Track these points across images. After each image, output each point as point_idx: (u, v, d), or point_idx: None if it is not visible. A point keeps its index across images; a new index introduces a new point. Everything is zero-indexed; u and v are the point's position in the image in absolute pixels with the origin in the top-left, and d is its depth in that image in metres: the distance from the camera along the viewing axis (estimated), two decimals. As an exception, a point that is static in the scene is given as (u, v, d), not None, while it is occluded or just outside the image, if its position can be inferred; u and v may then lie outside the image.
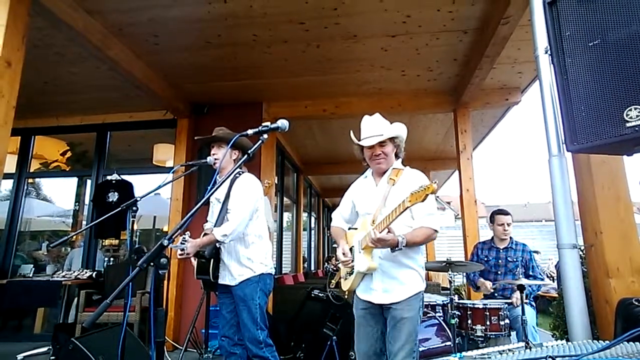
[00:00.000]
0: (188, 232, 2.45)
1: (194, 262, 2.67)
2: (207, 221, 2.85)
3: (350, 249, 2.20)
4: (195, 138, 3.00)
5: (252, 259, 2.59)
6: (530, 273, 3.53)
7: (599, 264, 2.27)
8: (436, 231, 2.05)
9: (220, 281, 2.64)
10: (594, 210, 2.28)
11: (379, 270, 2.07)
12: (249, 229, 2.60)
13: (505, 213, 3.72)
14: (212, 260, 2.61)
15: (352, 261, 2.15)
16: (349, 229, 2.35)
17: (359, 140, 2.20)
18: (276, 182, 6.21)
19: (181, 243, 2.38)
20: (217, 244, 2.55)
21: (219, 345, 2.79)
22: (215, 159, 2.69)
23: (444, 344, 2.79)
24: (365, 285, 2.15)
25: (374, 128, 2.18)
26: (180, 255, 2.42)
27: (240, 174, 2.69)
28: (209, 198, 1.51)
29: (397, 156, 2.26)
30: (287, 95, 5.00)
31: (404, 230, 1.99)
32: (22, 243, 5.72)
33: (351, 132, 2.26)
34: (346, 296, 2.26)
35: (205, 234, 2.62)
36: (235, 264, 2.59)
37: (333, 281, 2.43)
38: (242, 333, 2.57)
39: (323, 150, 7.50)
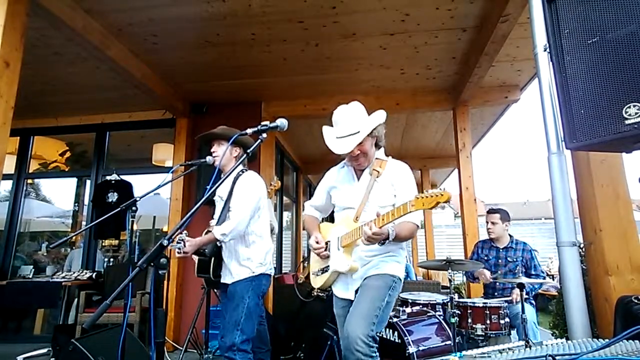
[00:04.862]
0: (185, 232, 2.44)
1: (195, 259, 2.66)
2: (213, 218, 2.83)
3: (326, 244, 2.10)
4: (196, 137, 3.00)
5: (251, 259, 2.57)
6: (532, 272, 3.52)
7: (598, 261, 2.28)
8: (418, 227, 1.96)
9: (222, 280, 2.63)
10: (593, 208, 2.29)
11: (359, 269, 2.01)
12: (250, 227, 2.57)
13: (491, 212, 3.73)
14: (212, 259, 2.60)
15: (328, 255, 2.05)
16: (323, 220, 2.23)
17: (335, 137, 2.04)
18: (276, 181, 6.20)
19: (177, 242, 2.37)
20: (217, 243, 2.53)
21: (219, 345, 2.78)
22: (215, 156, 2.67)
23: (444, 343, 2.78)
24: (343, 283, 2.08)
25: (348, 125, 1.98)
26: (178, 254, 2.41)
27: (243, 172, 2.67)
28: (209, 197, 1.50)
29: (377, 146, 2.08)
30: (286, 94, 4.99)
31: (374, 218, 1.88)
32: (22, 244, 5.72)
33: (324, 129, 2.07)
34: (314, 293, 2.17)
35: (208, 231, 2.60)
36: (235, 264, 2.57)
37: (301, 275, 2.27)
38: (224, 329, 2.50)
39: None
